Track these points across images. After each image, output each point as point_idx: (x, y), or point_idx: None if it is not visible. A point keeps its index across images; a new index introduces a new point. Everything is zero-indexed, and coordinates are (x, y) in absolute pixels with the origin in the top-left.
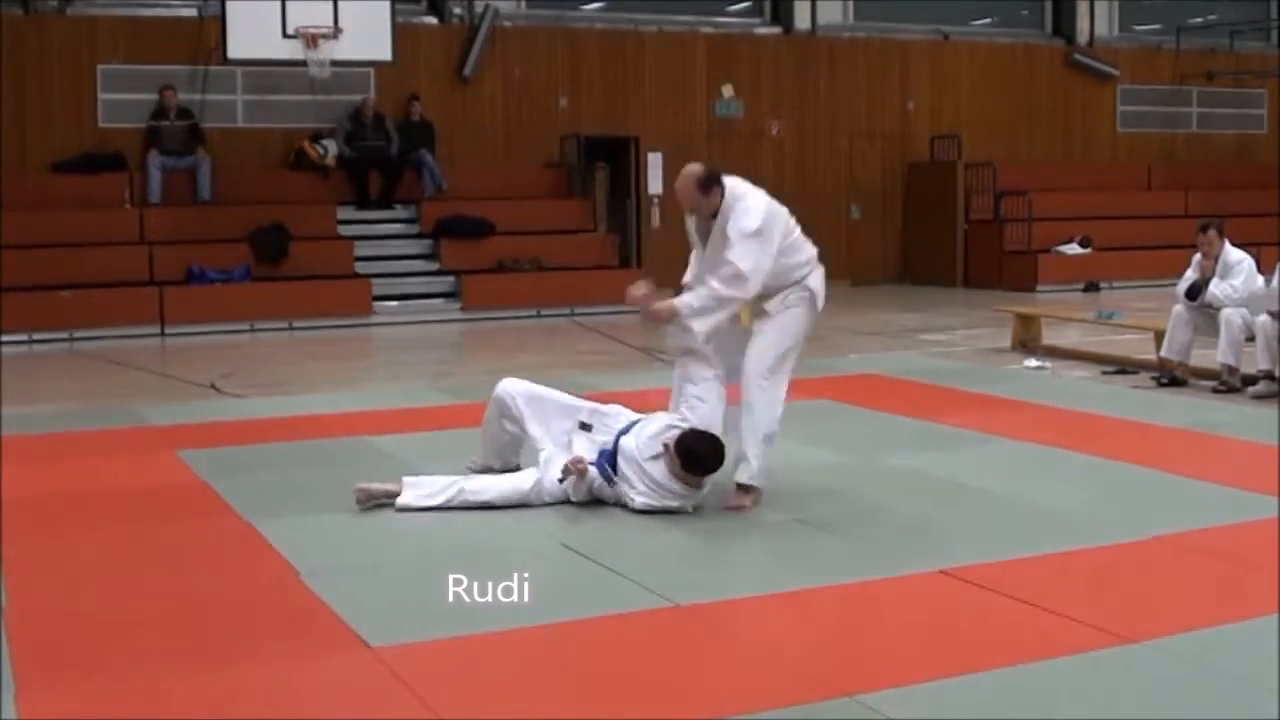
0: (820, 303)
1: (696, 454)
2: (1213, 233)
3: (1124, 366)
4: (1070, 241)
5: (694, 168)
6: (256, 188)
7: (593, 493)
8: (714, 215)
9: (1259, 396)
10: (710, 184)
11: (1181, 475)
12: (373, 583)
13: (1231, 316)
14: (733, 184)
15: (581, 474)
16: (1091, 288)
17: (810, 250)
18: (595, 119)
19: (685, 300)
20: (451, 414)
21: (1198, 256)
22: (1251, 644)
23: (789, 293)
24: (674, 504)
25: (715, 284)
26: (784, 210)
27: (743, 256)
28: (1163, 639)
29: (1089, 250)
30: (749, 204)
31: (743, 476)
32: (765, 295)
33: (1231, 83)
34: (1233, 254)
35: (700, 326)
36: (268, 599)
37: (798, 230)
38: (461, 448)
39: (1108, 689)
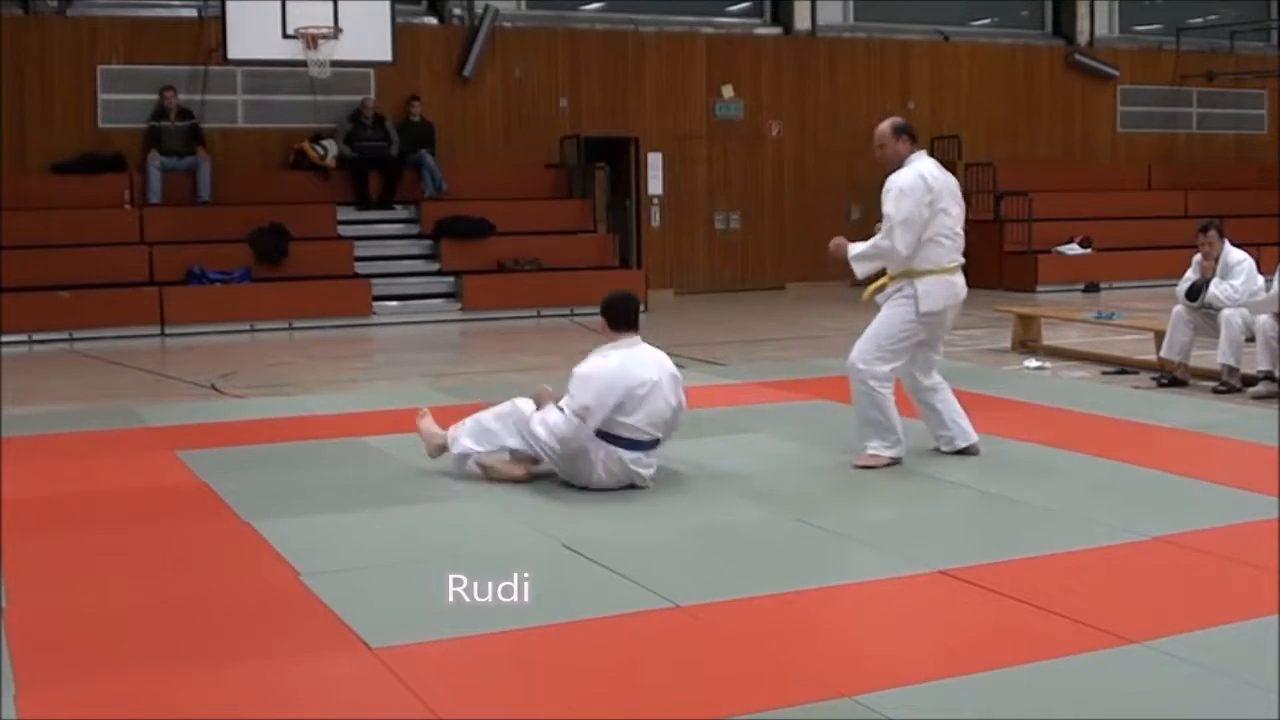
0: (926, 306)
1: (606, 301)
2: (1213, 233)
3: (1124, 367)
4: (1070, 242)
5: (894, 118)
6: (256, 188)
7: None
8: (898, 168)
9: (1259, 397)
10: (900, 131)
11: (1181, 475)
12: (373, 583)
13: (1232, 317)
14: (921, 154)
15: (543, 399)
16: (1091, 288)
17: (945, 255)
18: (595, 119)
19: (854, 245)
20: (451, 414)
21: (1198, 257)
22: (1251, 644)
23: (902, 287)
24: None
25: (876, 237)
26: (940, 188)
27: (895, 209)
28: (1163, 639)
29: (1089, 251)
30: (911, 166)
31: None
32: (892, 275)
33: (1232, 83)
34: (1233, 254)
35: (860, 270)
36: (267, 599)
37: (948, 227)
38: None
39: (1108, 689)
